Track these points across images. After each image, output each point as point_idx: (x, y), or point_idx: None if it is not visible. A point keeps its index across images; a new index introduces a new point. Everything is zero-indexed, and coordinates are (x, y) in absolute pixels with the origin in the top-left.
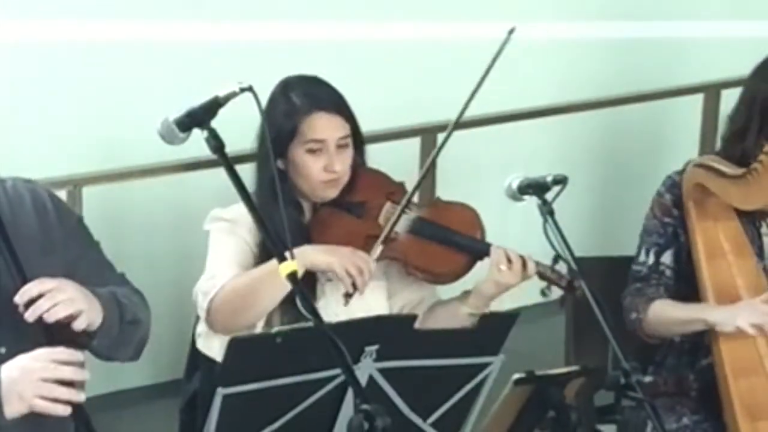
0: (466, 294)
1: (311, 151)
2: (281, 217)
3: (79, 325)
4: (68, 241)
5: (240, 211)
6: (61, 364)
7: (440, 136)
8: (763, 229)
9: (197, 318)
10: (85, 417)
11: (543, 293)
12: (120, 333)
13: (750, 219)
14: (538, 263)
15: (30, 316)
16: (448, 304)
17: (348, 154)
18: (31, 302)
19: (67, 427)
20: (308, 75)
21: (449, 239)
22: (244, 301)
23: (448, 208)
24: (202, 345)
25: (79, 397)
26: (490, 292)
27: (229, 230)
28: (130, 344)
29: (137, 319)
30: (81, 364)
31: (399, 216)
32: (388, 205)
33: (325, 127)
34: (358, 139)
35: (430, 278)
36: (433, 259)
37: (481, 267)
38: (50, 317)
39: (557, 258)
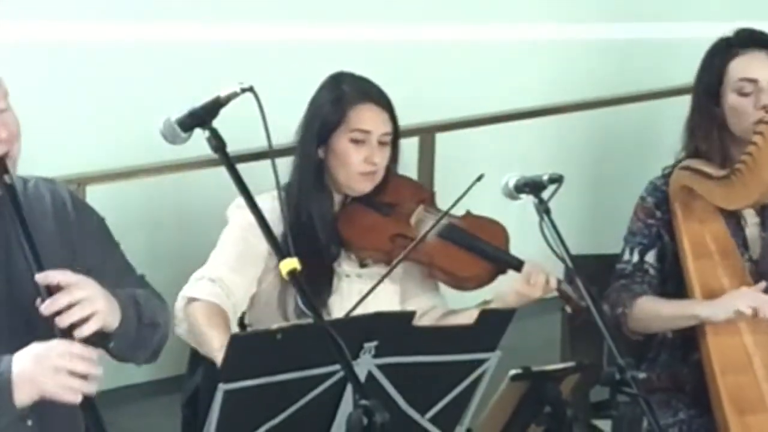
0: (485, 303)
1: (355, 141)
2: (315, 203)
3: (92, 326)
4: (88, 244)
5: (265, 204)
6: (75, 357)
7: (438, 136)
8: (742, 221)
9: None
10: (96, 413)
11: (563, 309)
12: (137, 335)
13: (733, 215)
14: (561, 281)
15: (46, 309)
16: (464, 313)
17: (387, 152)
18: (50, 292)
19: (77, 424)
20: (359, 74)
21: (477, 247)
22: (193, 338)
23: (478, 220)
24: (182, 333)
25: (90, 389)
26: (512, 303)
27: (247, 230)
28: (148, 347)
29: (155, 322)
30: (96, 360)
31: (440, 219)
32: (420, 208)
33: (372, 119)
34: (396, 144)
35: (452, 281)
36: (459, 263)
37: (500, 280)
38: (63, 322)
39: (569, 275)
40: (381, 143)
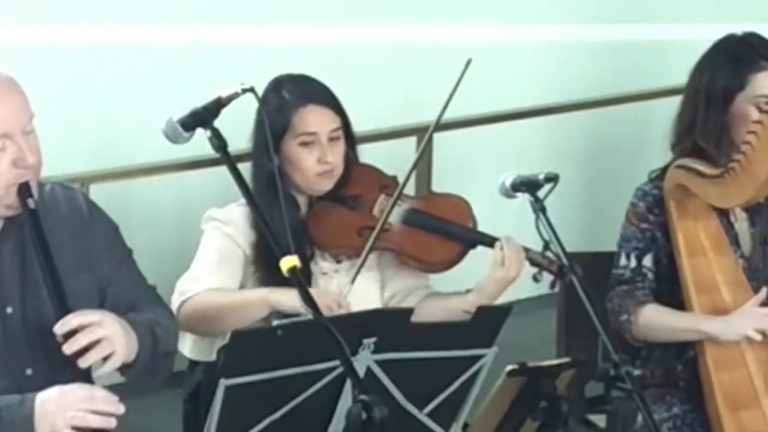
0: (468, 292)
1: (304, 144)
2: (281, 213)
3: (110, 367)
4: (101, 252)
5: (236, 211)
6: (96, 402)
7: (436, 136)
8: (732, 218)
9: None
10: None
11: (535, 279)
12: (151, 364)
13: (722, 210)
14: (528, 250)
15: (68, 348)
16: (447, 299)
17: (340, 147)
18: (70, 334)
19: None
20: (297, 73)
21: (441, 228)
22: (215, 318)
23: (440, 199)
24: None
25: (110, 423)
26: (492, 291)
27: (222, 234)
28: (158, 374)
29: (169, 352)
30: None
31: (392, 207)
32: (382, 197)
33: (316, 119)
34: (349, 134)
35: (423, 267)
36: (426, 248)
37: (474, 256)
38: (84, 363)
39: (547, 245)
40: (332, 139)
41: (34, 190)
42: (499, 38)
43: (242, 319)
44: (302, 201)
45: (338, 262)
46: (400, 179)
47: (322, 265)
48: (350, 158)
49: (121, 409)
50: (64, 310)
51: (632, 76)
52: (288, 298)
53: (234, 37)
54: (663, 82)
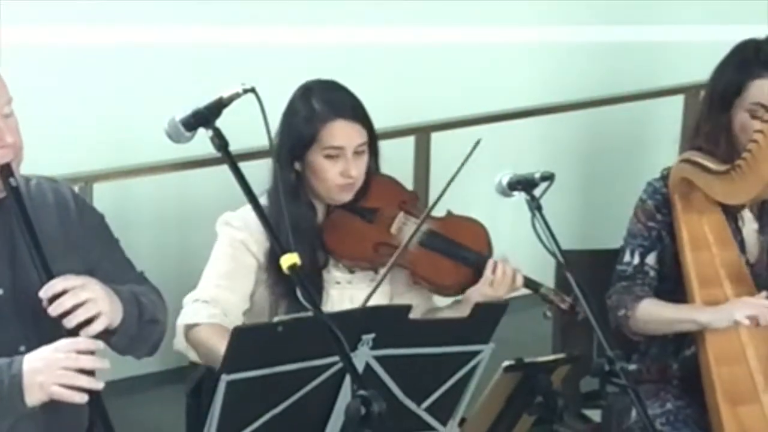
0: (456, 303)
1: (329, 157)
2: (294, 216)
3: (98, 327)
4: (89, 240)
5: (251, 215)
6: (81, 354)
7: (434, 136)
8: (740, 222)
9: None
10: (101, 405)
11: (545, 315)
12: (138, 331)
13: (731, 215)
14: (540, 285)
15: (53, 311)
16: (439, 312)
17: (364, 160)
18: (55, 298)
19: (82, 417)
20: (328, 80)
21: (458, 254)
22: (206, 357)
23: (459, 223)
24: (181, 349)
25: (98, 385)
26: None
27: (234, 241)
28: (148, 342)
29: (155, 319)
30: (100, 352)
31: (414, 233)
32: (401, 215)
33: (344, 134)
34: (374, 146)
35: (434, 289)
36: (440, 271)
37: None
38: (70, 323)
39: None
40: (357, 153)
41: (16, 173)
42: (497, 39)
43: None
44: (320, 208)
45: (351, 272)
46: (400, 179)
47: (336, 274)
48: (371, 169)
49: (106, 364)
50: (49, 277)
51: (627, 76)
52: None
53: (236, 39)
54: (658, 83)
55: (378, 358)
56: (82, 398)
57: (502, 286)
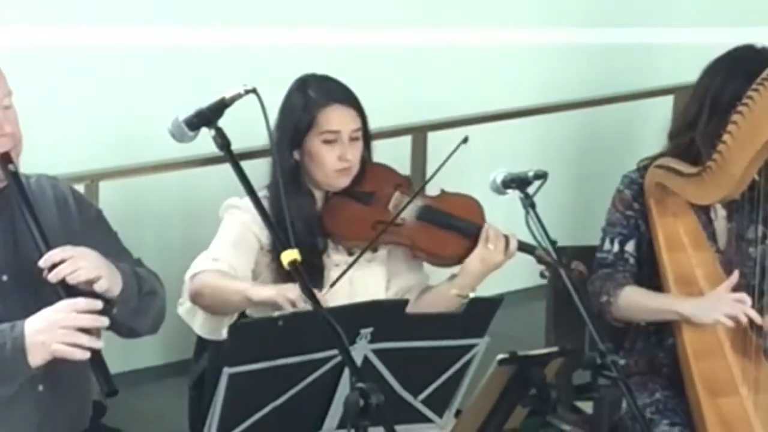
0: (453, 276)
1: (327, 142)
2: (294, 205)
3: (99, 287)
4: (87, 231)
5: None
6: (80, 313)
7: (430, 135)
8: (711, 214)
9: None
10: (103, 364)
11: (542, 275)
12: (139, 303)
13: (703, 208)
14: (535, 247)
15: (53, 277)
16: (437, 287)
17: (359, 146)
18: (54, 266)
19: (85, 389)
20: (321, 74)
21: (453, 224)
22: (209, 298)
23: (452, 198)
24: (183, 313)
25: (98, 344)
26: (475, 269)
27: (239, 221)
28: (149, 314)
29: (154, 290)
30: (99, 312)
31: (409, 202)
32: (397, 194)
33: (340, 118)
34: (367, 135)
35: (435, 261)
36: (439, 243)
37: None
38: (73, 279)
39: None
40: (352, 139)
41: (16, 161)
42: (492, 41)
43: (225, 306)
44: (319, 196)
45: (351, 254)
46: (408, 175)
47: (335, 257)
48: (366, 157)
49: (105, 321)
50: (48, 248)
51: (620, 77)
52: (262, 291)
53: (238, 40)
54: (649, 84)
55: (376, 352)
56: (84, 354)
57: (497, 250)
